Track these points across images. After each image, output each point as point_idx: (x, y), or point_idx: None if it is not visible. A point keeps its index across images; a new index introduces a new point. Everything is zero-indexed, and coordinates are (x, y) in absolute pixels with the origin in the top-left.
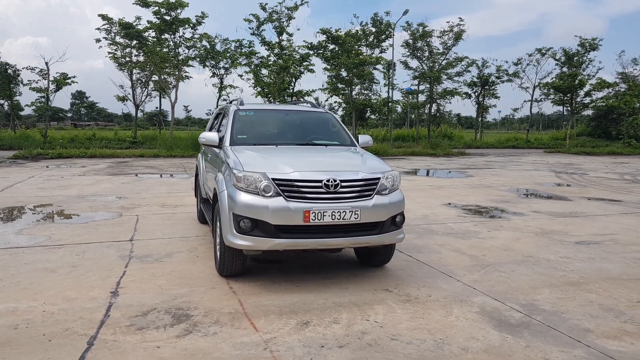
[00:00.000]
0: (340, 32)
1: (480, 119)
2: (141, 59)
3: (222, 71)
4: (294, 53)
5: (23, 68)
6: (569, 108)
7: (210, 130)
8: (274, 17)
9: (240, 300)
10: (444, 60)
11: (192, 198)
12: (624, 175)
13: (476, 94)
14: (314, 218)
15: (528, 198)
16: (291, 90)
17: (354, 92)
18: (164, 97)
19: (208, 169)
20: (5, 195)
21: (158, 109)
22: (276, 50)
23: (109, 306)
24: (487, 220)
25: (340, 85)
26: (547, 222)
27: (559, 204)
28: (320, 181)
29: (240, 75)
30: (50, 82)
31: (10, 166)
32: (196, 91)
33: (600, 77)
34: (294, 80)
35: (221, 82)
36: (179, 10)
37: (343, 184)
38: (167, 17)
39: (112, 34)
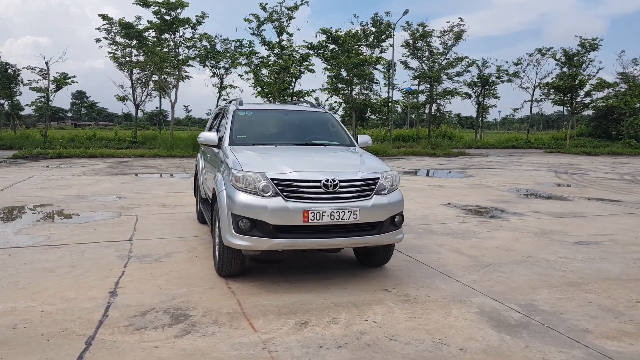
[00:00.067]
0: (340, 32)
1: (480, 119)
2: (141, 58)
3: (222, 71)
4: (294, 53)
5: (23, 68)
6: (569, 108)
7: (209, 130)
8: (274, 17)
9: (239, 301)
10: (444, 60)
11: (191, 198)
12: (624, 176)
13: (476, 94)
14: (312, 218)
15: (528, 198)
16: (291, 90)
17: (354, 92)
18: (164, 97)
19: (207, 169)
20: (4, 195)
21: (158, 109)
22: (276, 50)
23: (107, 306)
24: (486, 220)
25: (340, 85)
26: (547, 222)
27: (559, 204)
28: (319, 181)
29: (240, 75)
30: (50, 82)
31: (10, 166)
32: (196, 91)
33: (600, 77)
34: (294, 80)
35: (221, 82)
36: (179, 10)
37: (342, 184)
38: (167, 17)
39: (112, 34)
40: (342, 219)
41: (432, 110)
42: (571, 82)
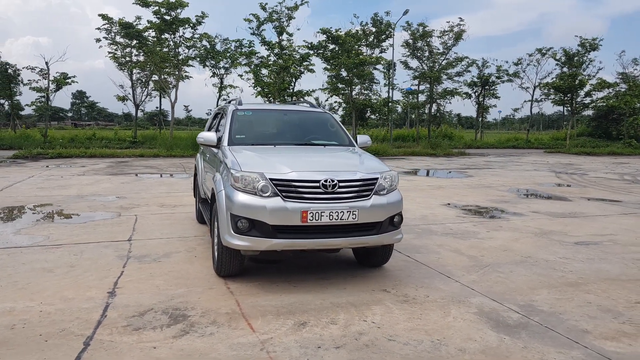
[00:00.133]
0: (340, 32)
1: (480, 119)
2: (141, 58)
3: (222, 71)
4: (294, 53)
5: (23, 68)
6: (569, 108)
7: (209, 130)
8: (274, 17)
9: (238, 301)
10: (444, 60)
11: (191, 198)
12: (624, 176)
13: (476, 94)
14: (311, 218)
15: (527, 198)
16: (291, 90)
17: (354, 92)
18: (164, 97)
19: (206, 169)
20: (4, 195)
21: (158, 109)
22: (276, 50)
23: (106, 306)
24: (486, 220)
25: (340, 85)
26: (547, 222)
27: (559, 204)
28: (318, 181)
29: (240, 75)
30: (50, 82)
31: (10, 166)
32: (196, 91)
33: (600, 77)
34: (294, 80)
35: (221, 82)
36: (179, 10)
37: (341, 184)
38: (167, 17)
39: (112, 34)
40: (341, 219)
41: (432, 110)
42: (571, 82)
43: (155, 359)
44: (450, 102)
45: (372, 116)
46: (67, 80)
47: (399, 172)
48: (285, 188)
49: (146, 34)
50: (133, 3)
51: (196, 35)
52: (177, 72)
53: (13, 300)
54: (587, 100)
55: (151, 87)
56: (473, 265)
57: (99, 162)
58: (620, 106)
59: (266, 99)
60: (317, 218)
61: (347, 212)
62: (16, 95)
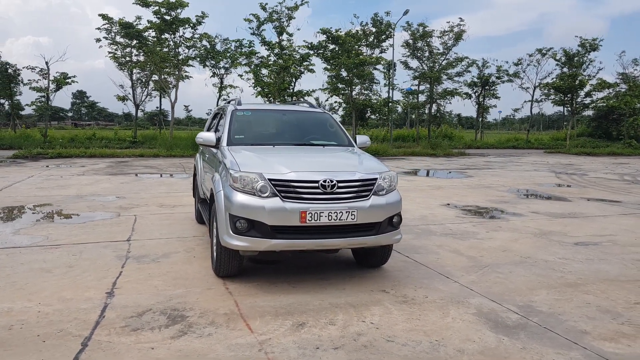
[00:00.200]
0: (341, 32)
1: (480, 119)
2: (141, 58)
3: (222, 71)
4: (294, 53)
5: (23, 67)
6: (569, 108)
7: (208, 130)
8: (274, 17)
9: (236, 301)
10: (444, 60)
11: (190, 198)
12: (623, 176)
13: (476, 94)
14: (310, 218)
15: (527, 199)
16: (291, 90)
17: (354, 92)
18: (164, 97)
19: (206, 169)
20: (3, 195)
21: (158, 109)
22: (276, 50)
23: (104, 307)
24: (485, 220)
25: (340, 85)
26: (546, 223)
27: (558, 204)
28: (317, 181)
29: (240, 75)
30: (50, 82)
31: (9, 166)
32: (196, 91)
33: (600, 78)
34: (294, 80)
35: (221, 82)
36: (179, 10)
37: (340, 184)
38: (167, 17)
39: (113, 34)
40: (339, 219)
41: (432, 111)
42: (571, 82)
43: None
44: (450, 102)
45: (372, 116)
46: (67, 80)
47: (398, 172)
48: (284, 188)
49: (146, 34)
50: (133, 3)
51: (196, 35)
52: (177, 72)
53: (11, 300)
54: (587, 100)
55: (151, 87)
56: (472, 266)
57: (99, 162)
58: (621, 106)
59: (266, 99)
60: (316, 218)
61: (346, 212)
62: (16, 95)
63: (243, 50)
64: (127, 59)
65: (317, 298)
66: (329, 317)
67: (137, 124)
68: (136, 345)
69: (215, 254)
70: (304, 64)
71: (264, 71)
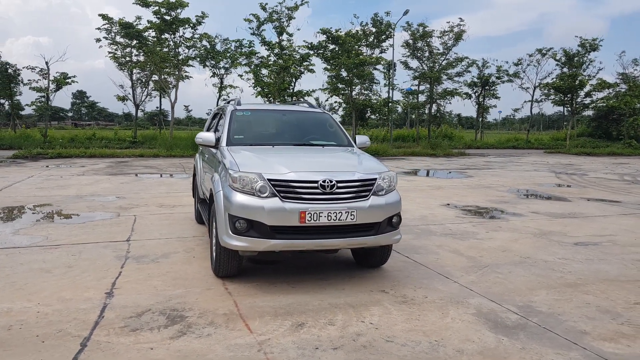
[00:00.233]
0: (341, 32)
1: (480, 119)
2: (141, 58)
3: (222, 71)
4: (294, 53)
5: (23, 67)
6: (569, 108)
7: (208, 130)
8: (274, 17)
9: (236, 302)
10: (444, 60)
11: (190, 198)
12: (623, 176)
13: (476, 94)
14: (309, 219)
15: (527, 199)
16: (291, 90)
17: (354, 92)
18: (164, 97)
19: (205, 169)
20: (3, 195)
21: (158, 109)
22: (276, 50)
23: (103, 307)
24: (485, 221)
25: (340, 86)
26: (546, 223)
27: (558, 204)
28: (316, 182)
29: (240, 75)
30: (50, 82)
31: (9, 166)
32: (196, 91)
33: (600, 78)
34: (294, 80)
35: (221, 82)
36: (179, 10)
37: (339, 184)
38: (167, 17)
39: (112, 34)
40: (339, 219)
41: (432, 111)
42: (571, 82)
43: None
44: (450, 103)
45: (372, 116)
46: (67, 80)
47: (398, 172)
48: (283, 188)
49: (146, 34)
50: (133, 3)
51: (196, 35)
52: (177, 72)
53: (10, 300)
54: (587, 100)
55: (151, 87)
56: (472, 266)
57: (99, 162)
58: (621, 106)
59: (266, 99)
60: (315, 218)
61: (346, 212)
62: (16, 95)
63: (243, 50)
64: (127, 59)
65: (316, 298)
66: (328, 317)
67: (137, 124)
68: (135, 345)
69: (214, 254)
70: (304, 64)
71: (264, 71)
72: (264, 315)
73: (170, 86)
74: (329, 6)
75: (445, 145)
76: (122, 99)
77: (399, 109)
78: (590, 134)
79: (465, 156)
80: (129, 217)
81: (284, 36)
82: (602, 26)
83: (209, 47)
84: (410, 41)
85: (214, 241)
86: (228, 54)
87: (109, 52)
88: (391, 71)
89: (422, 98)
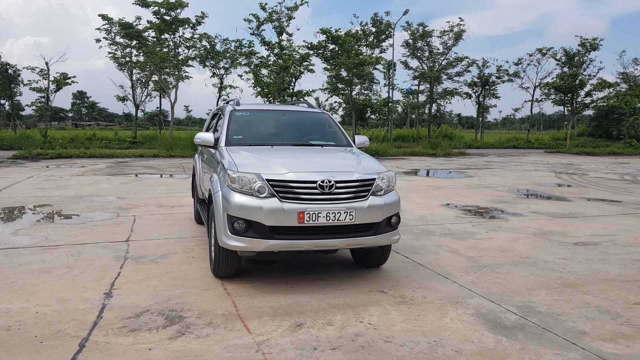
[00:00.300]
0: (340, 32)
1: (480, 119)
2: (141, 59)
3: (222, 71)
4: (294, 53)
5: (23, 68)
6: (569, 108)
7: (207, 130)
8: (274, 17)
9: (234, 302)
10: (444, 60)
11: (189, 198)
12: (624, 176)
13: (476, 94)
14: (308, 219)
15: (527, 198)
16: (291, 90)
17: (354, 92)
18: (164, 97)
19: (204, 169)
20: (3, 195)
21: (158, 109)
22: (276, 50)
23: (102, 307)
24: (485, 221)
25: (340, 85)
26: (546, 222)
27: (558, 204)
28: (315, 182)
29: (240, 75)
30: (50, 82)
31: (9, 166)
32: (196, 91)
33: (601, 77)
34: (294, 80)
35: (221, 82)
36: (178, 10)
37: (338, 184)
38: (167, 17)
39: (112, 34)
40: (338, 219)
41: (432, 110)
42: (572, 82)
43: None
44: (450, 102)
45: (372, 116)
46: (67, 81)
47: (398, 172)
48: (282, 189)
49: (146, 34)
50: (133, 3)
51: (196, 36)
52: (177, 72)
53: (9, 301)
54: (588, 100)
55: (151, 87)
56: (471, 266)
57: (99, 163)
58: (621, 106)
59: (266, 99)
60: (314, 219)
61: (344, 212)
62: (16, 96)
63: (243, 51)
64: (127, 59)
65: (315, 298)
66: (327, 317)
67: (137, 124)
68: (134, 346)
69: (213, 254)
70: (304, 64)
71: (264, 71)
72: (262, 315)
73: (170, 86)
74: (329, 6)
75: (445, 145)
76: (122, 99)
77: (399, 109)
78: (590, 134)
79: (465, 156)
80: (128, 218)
81: (284, 36)
82: (603, 26)
83: (208, 47)
84: (410, 41)
85: (212, 241)
86: (228, 54)
87: (109, 53)
88: (391, 71)
89: (422, 98)
